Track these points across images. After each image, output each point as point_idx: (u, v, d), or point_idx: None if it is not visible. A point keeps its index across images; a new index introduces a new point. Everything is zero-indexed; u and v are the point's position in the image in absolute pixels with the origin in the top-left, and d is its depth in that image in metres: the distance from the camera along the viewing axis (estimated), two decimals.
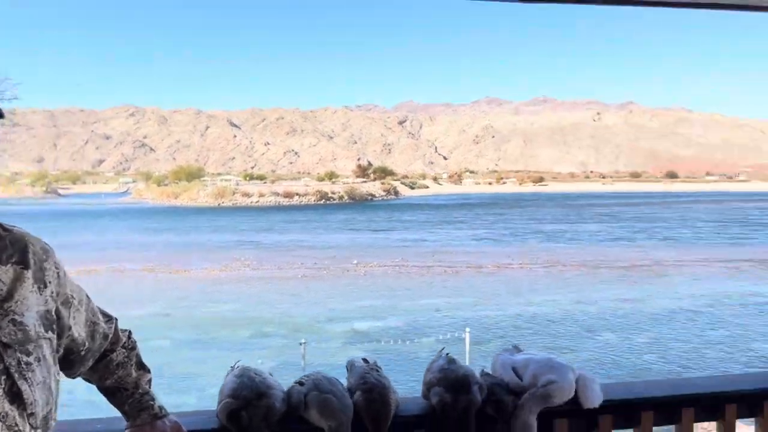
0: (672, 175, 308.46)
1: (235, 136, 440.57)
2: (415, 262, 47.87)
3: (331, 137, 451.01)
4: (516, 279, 40.34)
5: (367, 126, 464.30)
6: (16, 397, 1.17)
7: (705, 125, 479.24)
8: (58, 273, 1.37)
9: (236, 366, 1.79)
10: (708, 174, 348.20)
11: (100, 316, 1.54)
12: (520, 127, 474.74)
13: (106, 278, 39.68)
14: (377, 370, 1.81)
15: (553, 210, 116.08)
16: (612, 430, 1.86)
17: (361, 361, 1.88)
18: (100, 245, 60.91)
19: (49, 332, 1.31)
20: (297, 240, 65.76)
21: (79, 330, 1.44)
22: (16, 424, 1.16)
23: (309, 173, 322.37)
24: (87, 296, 1.49)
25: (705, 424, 2.03)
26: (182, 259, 50.57)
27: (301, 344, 14.17)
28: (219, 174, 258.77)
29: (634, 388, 1.97)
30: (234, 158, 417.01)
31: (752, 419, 1.98)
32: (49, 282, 1.34)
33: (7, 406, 1.16)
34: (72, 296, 1.42)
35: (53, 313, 1.34)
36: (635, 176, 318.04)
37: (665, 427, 2.05)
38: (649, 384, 2.01)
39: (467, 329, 17.04)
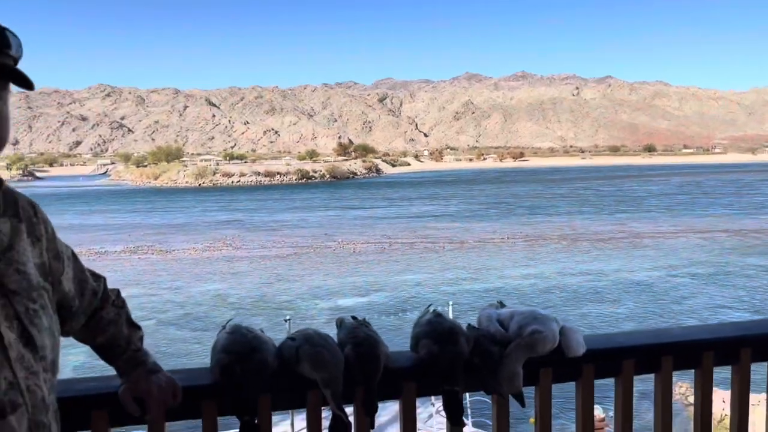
0: (650, 149, 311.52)
1: (214, 116, 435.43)
2: (398, 239, 48.04)
3: (311, 115, 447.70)
4: (498, 253, 40.69)
5: (348, 104, 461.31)
6: (28, 341, 1.22)
7: (682, 98, 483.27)
8: (46, 228, 1.39)
9: (228, 324, 1.81)
10: (685, 147, 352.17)
11: (89, 274, 1.57)
12: (499, 102, 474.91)
13: (88, 261, 39.29)
14: (366, 326, 1.85)
15: (534, 185, 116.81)
16: (594, 379, 1.92)
17: (351, 319, 1.91)
18: (80, 228, 60.21)
19: (47, 283, 1.34)
20: (280, 219, 65.54)
21: (69, 285, 1.46)
22: (32, 366, 1.21)
23: (290, 152, 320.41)
24: (74, 254, 1.51)
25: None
26: (165, 240, 50.24)
27: (285, 321, 14.18)
28: (199, 154, 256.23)
29: (616, 339, 2.03)
30: (213, 138, 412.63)
31: (729, 366, 2.06)
32: (41, 235, 1.36)
33: (22, 349, 1.20)
34: (61, 252, 1.43)
35: (47, 267, 1.36)
36: (614, 150, 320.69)
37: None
38: (630, 335, 2.08)
39: (450, 303, 17.19)
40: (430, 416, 13.97)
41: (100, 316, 1.58)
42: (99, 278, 1.60)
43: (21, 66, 1.26)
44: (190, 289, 32.04)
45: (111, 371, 1.66)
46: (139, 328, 1.66)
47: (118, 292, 1.66)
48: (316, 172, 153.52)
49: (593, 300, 27.92)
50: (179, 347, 22.36)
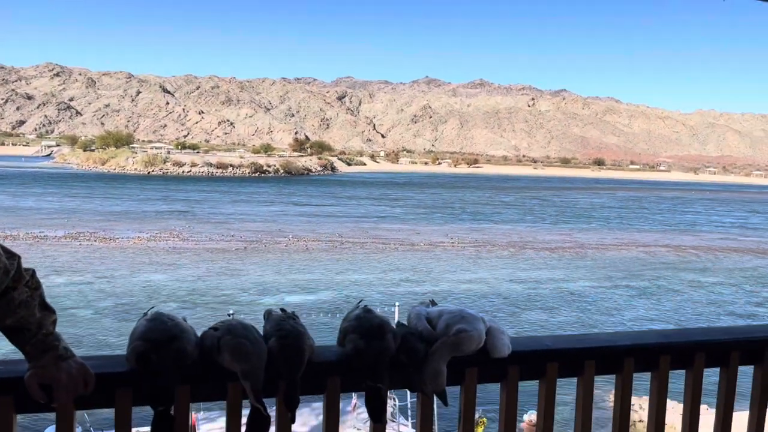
0: (599, 162, 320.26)
1: (167, 103, 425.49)
2: (349, 238, 47.97)
3: (269, 109, 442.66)
4: (447, 257, 41.09)
5: (306, 99, 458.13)
6: None
7: (632, 115, 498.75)
8: None
9: (149, 311, 1.75)
10: (632, 163, 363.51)
11: (1, 251, 1.48)
12: (457, 108, 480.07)
13: (25, 246, 37.84)
14: (294, 319, 1.82)
15: (485, 192, 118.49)
16: (519, 380, 1.94)
17: (278, 311, 1.88)
18: (18, 211, 57.88)
19: None
20: (230, 212, 64.54)
21: None
22: None
23: (244, 145, 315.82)
24: None
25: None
26: (109, 228, 48.79)
27: (229, 315, 13.97)
28: (150, 141, 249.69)
29: (542, 341, 2.07)
30: (166, 126, 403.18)
31: (648, 373, 2.12)
32: None
33: None
34: None
35: None
36: (565, 162, 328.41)
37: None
38: (556, 338, 2.11)
39: (397, 304, 17.26)
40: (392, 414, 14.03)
41: (11, 296, 1.51)
42: (13, 256, 1.52)
43: None
44: (131, 279, 31.21)
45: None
46: (53, 311, 1.59)
47: (33, 272, 1.58)
48: (270, 166, 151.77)
49: (530, 308, 28.51)
50: (112, 339, 21.74)
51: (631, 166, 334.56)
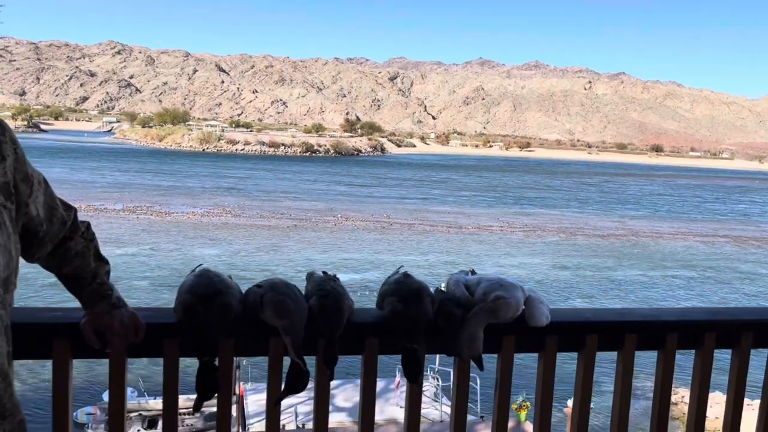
0: (657, 149, 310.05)
1: (222, 82, 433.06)
2: (397, 219, 48.08)
3: (320, 89, 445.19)
4: (495, 241, 40.74)
5: (358, 80, 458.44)
6: None
7: (694, 100, 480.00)
8: (15, 149, 1.39)
9: (197, 268, 1.82)
10: (692, 150, 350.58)
11: (59, 203, 1.56)
12: (510, 90, 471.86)
13: (86, 217, 39.38)
14: (334, 280, 1.87)
15: (538, 177, 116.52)
16: (557, 351, 1.94)
17: (320, 273, 1.93)
18: (81, 184, 60.23)
19: (8, 202, 1.34)
20: (281, 190, 65.54)
21: (37, 209, 1.45)
22: None
23: (296, 124, 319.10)
24: (46, 180, 1.51)
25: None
26: (165, 202, 50.29)
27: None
28: (205, 119, 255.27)
29: (582, 314, 2.05)
30: (221, 104, 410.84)
31: (692, 350, 2.07)
32: (7, 155, 1.36)
33: None
34: (32, 175, 1.44)
35: (11, 187, 1.36)
36: (621, 147, 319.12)
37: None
38: (597, 311, 2.09)
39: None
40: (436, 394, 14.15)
41: (67, 246, 1.59)
42: (70, 209, 1.60)
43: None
44: (185, 252, 32.15)
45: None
46: (106, 262, 1.66)
47: (88, 224, 1.66)
48: (320, 146, 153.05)
49: (571, 296, 28.07)
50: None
51: (692, 153, 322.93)
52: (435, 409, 13.48)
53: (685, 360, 2.13)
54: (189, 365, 1.70)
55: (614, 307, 2.61)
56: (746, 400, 2.34)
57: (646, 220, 56.97)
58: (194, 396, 1.63)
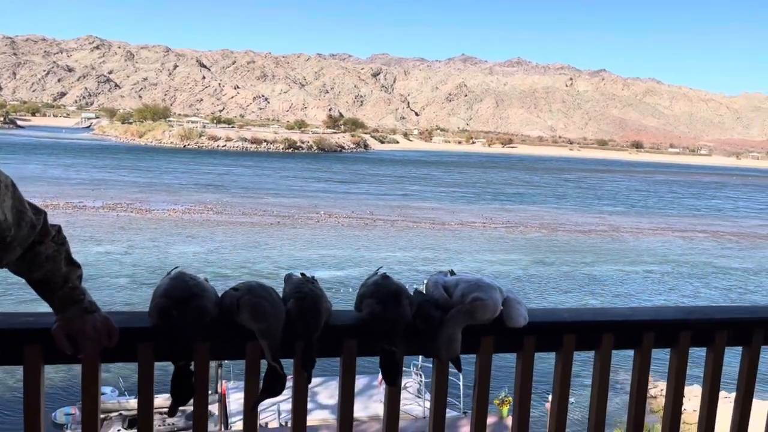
0: (637, 145, 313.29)
1: (204, 78, 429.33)
2: (380, 216, 48.06)
3: (303, 85, 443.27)
4: (477, 237, 40.91)
5: (341, 76, 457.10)
6: None
7: (673, 97, 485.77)
8: None
9: (173, 271, 1.80)
10: (671, 146, 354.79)
11: (28, 206, 1.52)
12: (493, 87, 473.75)
13: (65, 215, 38.87)
14: (313, 283, 1.86)
15: (520, 173, 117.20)
16: (535, 351, 1.94)
17: (298, 275, 1.91)
18: (59, 180, 59.39)
19: None
20: (263, 187, 65.17)
21: (4, 213, 1.39)
22: None
23: (278, 120, 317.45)
24: (14, 184, 1.46)
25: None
26: (145, 199, 49.76)
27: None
28: (186, 115, 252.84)
29: (560, 314, 2.06)
30: (202, 100, 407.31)
31: (668, 349, 2.10)
32: None
33: None
34: None
35: None
36: (602, 144, 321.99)
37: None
38: (573, 311, 2.10)
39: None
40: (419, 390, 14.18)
41: (37, 250, 1.55)
42: (39, 212, 1.56)
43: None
44: (165, 250, 31.86)
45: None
46: (78, 266, 1.63)
47: (59, 228, 1.63)
48: (303, 142, 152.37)
49: (547, 291, 28.29)
50: (145, 308, 22.27)
51: (671, 150, 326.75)
52: (418, 405, 13.53)
53: (664, 353, 2.15)
54: (166, 365, 1.68)
55: (591, 307, 2.63)
56: (723, 393, 2.37)
57: (626, 216, 57.57)
58: None
